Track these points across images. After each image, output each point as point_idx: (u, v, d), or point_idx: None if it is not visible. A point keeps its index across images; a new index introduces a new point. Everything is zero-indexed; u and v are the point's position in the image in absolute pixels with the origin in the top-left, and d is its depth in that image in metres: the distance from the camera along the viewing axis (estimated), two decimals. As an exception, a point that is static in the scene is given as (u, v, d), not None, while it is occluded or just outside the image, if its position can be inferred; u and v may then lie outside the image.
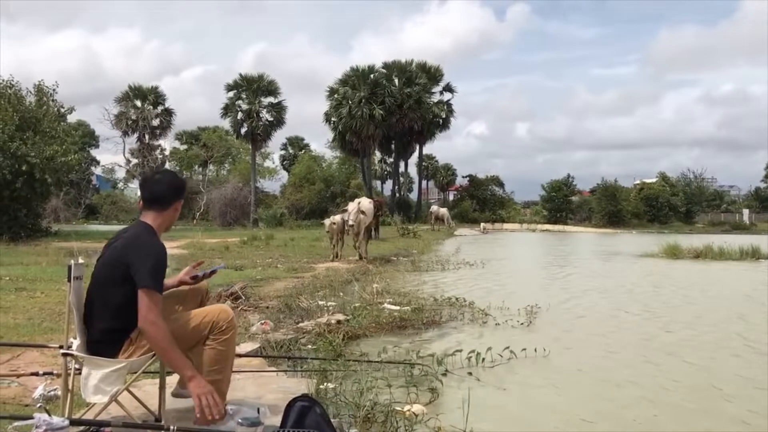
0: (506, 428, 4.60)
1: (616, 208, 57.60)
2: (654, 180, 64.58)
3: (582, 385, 5.73)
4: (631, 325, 8.77)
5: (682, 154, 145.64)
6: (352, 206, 16.81)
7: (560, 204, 61.71)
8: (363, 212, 16.50)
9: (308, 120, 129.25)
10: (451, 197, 72.59)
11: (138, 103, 54.05)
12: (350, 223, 16.26)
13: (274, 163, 67.74)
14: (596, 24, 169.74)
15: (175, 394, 3.96)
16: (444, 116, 53.97)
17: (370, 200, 18.39)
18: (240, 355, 5.62)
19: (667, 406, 5.13)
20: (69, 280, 3.54)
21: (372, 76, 47.92)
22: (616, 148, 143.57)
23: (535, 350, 6.53)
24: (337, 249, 17.41)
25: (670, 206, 60.55)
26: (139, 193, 3.91)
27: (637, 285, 13.53)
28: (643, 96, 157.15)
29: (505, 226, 55.49)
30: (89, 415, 3.59)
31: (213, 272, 4.20)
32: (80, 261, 3.71)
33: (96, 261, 3.66)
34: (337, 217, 17.16)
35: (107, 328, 3.43)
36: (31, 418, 3.05)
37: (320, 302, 9.00)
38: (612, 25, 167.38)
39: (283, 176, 63.66)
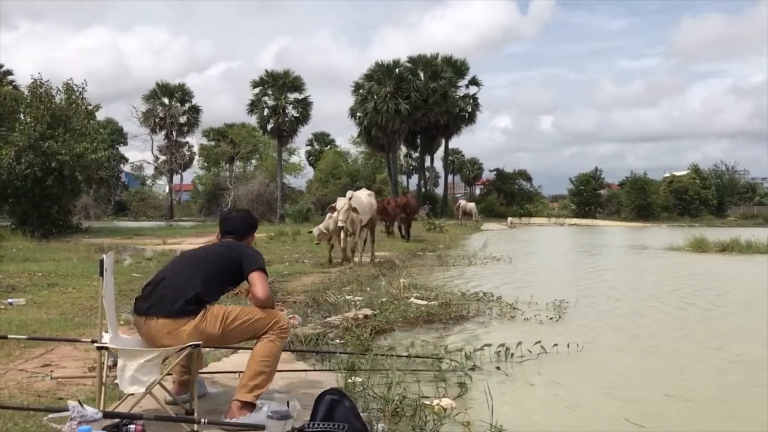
0: (535, 425, 4.56)
1: (645, 201, 56.89)
2: (684, 173, 63.57)
3: (614, 382, 5.64)
4: (664, 320, 8.64)
5: (711, 145, 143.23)
6: (341, 202, 13.48)
7: (588, 198, 61.06)
8: (355, 209, 13.38)
9: (331, 115, 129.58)
10: (477, 191, 72.27)
11: (165, 100, 54.73)
12: (339, 224, 13.32)
13: (299, 158, 68.13)
14: (623, 15, 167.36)
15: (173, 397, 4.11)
16: (470, 110, 53.58)
17: (369, 192, 15.16)
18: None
19: (702, 403, 5.05)
20: (101, 275, 3.59)
21: (397, 70, 47.89)
22: (643, 141, 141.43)
23: (568, 345, 6.45)
24: (334, 252, 14.57)
25: (700, 199, 59.63)
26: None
27: (666, 279, 13.35)
28: (670, 87, 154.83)
29: (533, 220, 55.10)
30: (122, 408, 3.64)
31: None
32: (111, 256, 3.77)
33: (177, 255, 4.46)
34: (330, 222, 13.87)
35: (196, 293, 3.81)
36: (66, 410, 3.10)
37: (347, 297, 9.02)
38: (639, 16, 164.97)
39: (309, 172, 64.00)
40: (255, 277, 3.92)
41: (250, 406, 3.71)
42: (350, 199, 13.52)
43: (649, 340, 7.35)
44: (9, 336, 4.90)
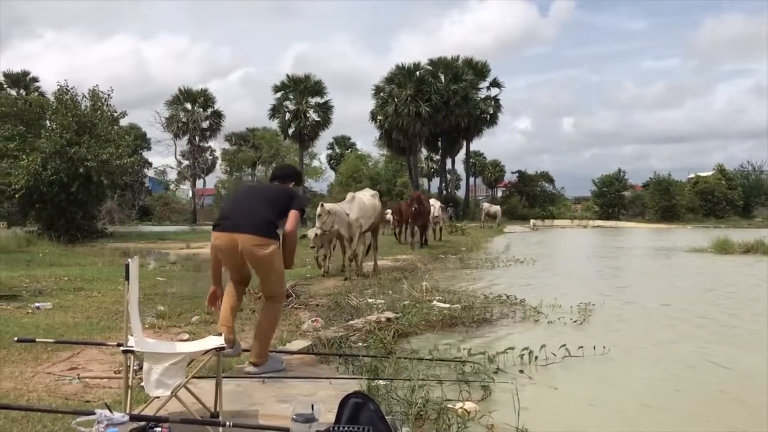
0: (560, 428, 4.52)
1: (670, 202, 56.24)
2: (709, 173, 62.69)
3: (640, 386, 5.59)
4: (691, 323, 8.54)
5: (736, 146, 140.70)
6: (318, 209, 11.50)
7: (612, 199, 60.48)
8: (329, 213, 11.41)
9: (351, 119, 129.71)
10: (499, 194, 71.93)
11: (188, 105, 55.22)
12: (316, 231, 11.85)
13: (321, 162, 68.31)
14: (644, 16, 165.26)
15: (248, 372, 4.95)
16: (491, 112, 53.36)
17: (372, 193, 13.30)
18: (292, 353, 5.69)
19: (731, 407, 4.97)
20: (126, 279, 3.62)
21: (418, 73, 47.88)
22: (666, 142, 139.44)
23: (594, 348, 6.39)
24: (328, 263, 13.12)
25: (727, 200, 58.77)
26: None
27: (692, 281, 13.18)
28: (693, 87, 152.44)
29: (556, 222, 54.72)
30: (148, 411, 3.66)
31: None
32: (136, 260, 3.80)
33: (241, 189, 5.48)
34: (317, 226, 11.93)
35: (269, 219, 4.86)
36: (93, 413, 3.13)
37: (369, 300, 9.01)
38: (660, 17, 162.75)
39: (330, 176, 64.11)
40: (293, 213, 4.97)
41: (264, 359, 4.92)
42: (351, 200, 12.17)
43: (676, 344, 7.26)
44: (37, 339, 4.96)
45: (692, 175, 64.50)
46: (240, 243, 4.75)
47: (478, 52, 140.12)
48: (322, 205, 11.61)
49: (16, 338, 4.91)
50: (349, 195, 12.57)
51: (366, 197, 12.66)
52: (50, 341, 5.32)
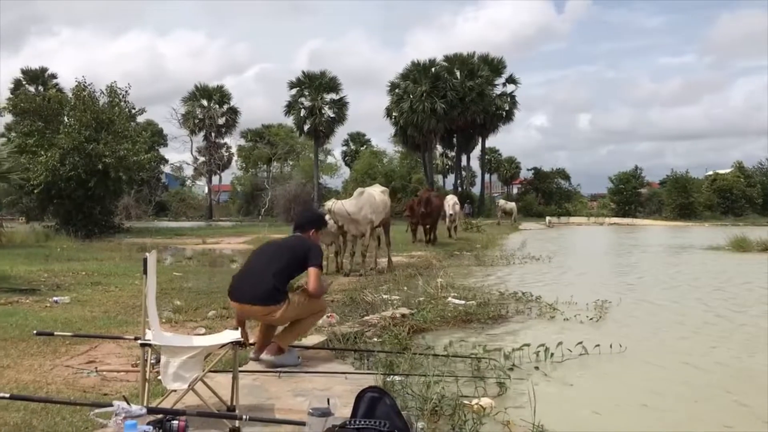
0: (575, 425, 4.50)
1: (687, 200, 55.72)
2: (728, 171, 62.06)
3: (656, 385, 5.53)
4: (709, 322, 8.46)
5: (755, 143, 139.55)
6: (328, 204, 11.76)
7: (629, 196, 60.03)
8: (330, 212, 11.36)
9: (366, 116, 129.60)
10: (515, 191, 71.66)
11: (204, 102, 55.48)
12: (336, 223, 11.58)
13: (335, 159, 68.35)
14: (661, 12, 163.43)
15: (253, 358, 5.18)
16: (507, 108, 53.05)
17: (382, 189, 13.20)
18: (307, 347, 5.71)
19: (747, 408, 4.92)
20: (144, 273, 3.65)
21: (433, 69, 47.72)
22: (683, 139, 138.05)
23: (611, 346, 6.35)
24: (341, 258, 12.90)
25: (745, 198, 58.17)
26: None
27: (708, 280, 13.07)
28: (710, 84, 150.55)
29: (572, 219, 54.37)
30: (165, 404, 3.69)
31: None
32: (153, 255, 3.83)
33: (257, 248, 5.59)
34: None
35: (275, 286, 4.90)
36: (111, 405, 3.16)
37: (384, 296, 9.02)
38: (678, 13, 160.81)
39: (345, 172, 64.14)
40: (311, 272, 5.04)
41: (282, 351, 5.10)
42: (360, 195, 12.07)
43: (694, 342, 7.20)
44: (55, 333, 5.01)
45: (710, 173, 63.84)
46: (251, 313, 5.02)
47: (494, 48, 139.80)
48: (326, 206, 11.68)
49: (35, 331, 4.96)
50: (358, 190, 12.49)
51: (376, 193, 12.57)
52: (68, 334, 5.38)
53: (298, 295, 5.09)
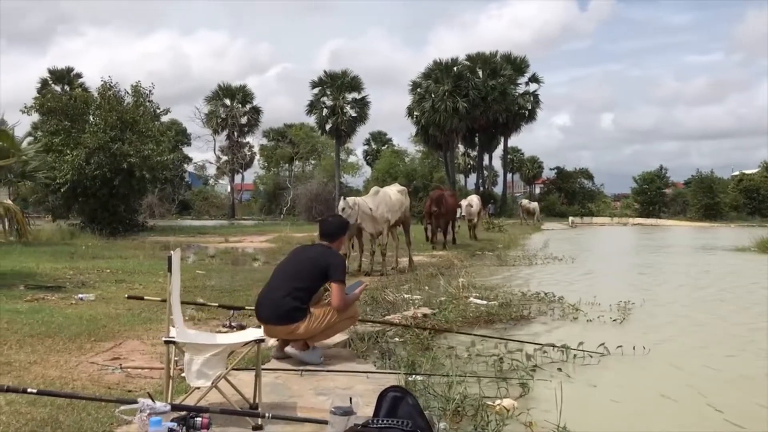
0: (598, 427, 4.46)
1: (713, 200, 55.02)
2: (755, 171, 61.11)
3: (680, 388, 5.47)
4: (733, 324, 8.34)
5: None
6: (341, 204, 11.24)
7: (653, 197, 59.43)
8: (350, 207, 11.08)
9: (387, 115, 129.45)
10: (537, 190, 71.22)
11: (227, 101, 55.80)
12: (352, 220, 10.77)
13: (357, 158, 68.38)
14: (689, 9, 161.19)
15: (276, 357, 5.22)
16: (530, 108, 52.73)
17: (399, 188, 13.01)
18: (329, 346, 5.72)
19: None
20: (169, 271, 3.67)
21: (455, 69, 47.54)
22: (708, 138, 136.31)
23: (634, 348, 6.29)
24: (362, 257, 12.78)
25: (773, 198, 57.25)
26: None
27: (734, 281, 12.88)
28: (736, 82, 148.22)
29: (595, 219, 53.96)
30: (189, 401, 3.72)
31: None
32: (178, 253, 3.85)
33: (279, 264, 5.49)
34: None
35: (294, 306, 4.94)
36: (136, 402, 3.19)
37: (406, 296, 9.00)
38: (705, 10, 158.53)
39: (367, 171, 64.12)
40: (334, 288, 5.06)
41: (307, 347, 5.11)
42: (375, 194, 11.85)
43: (718, 345, 7.11)
44: (145, 297, 5.17)
45: (736, 173, 62.95)
46: (275, 332, 5.07)
47: (516, 47, 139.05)
48: (344, 198, 11.50)
49: (126, 295, 5.26)
50: (374, 189, 12.32)
51: (393, 192, 12.46)
52: (156, 299, 6.41)
53: (322, 308, 5.09)
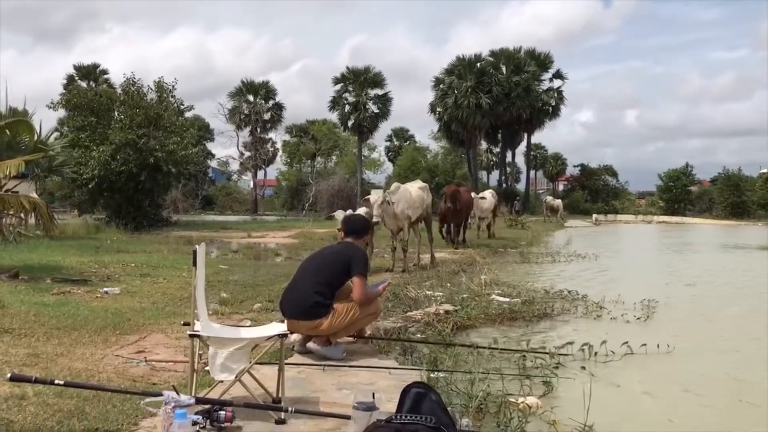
0: (624, 426, 4.42)
1: (739, 198, 54.21)
2: (785, 168, 60.07)
3: (705, 387, 5.39)
4: (761, 323, 8.21)
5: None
6: (374, 195, 11.63)
7: (678, 194, 58.66)
8: (389, 203, 11.32)
9: (410, 111, 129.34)
10: (560, 187, 70.69)
11: (250, 97, 56.07)
12: (375, 219, 10.98)
13: (379, 154, 68.34)
14: (715, 5, 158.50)
15: (299, 351, 5.32)
16: (553, 104, 52.31)
17: (421, 185, 12.90)
18: (351, 340, 5.73)
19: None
20: (194, 265, 3.70)
21: (478, 65, 47.39)
22: (735, 135, 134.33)
23: (658, 346, 6.21)
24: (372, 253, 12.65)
25: (802, 196, 56.24)
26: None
27: (762, 279, 12.67)
28: (764, 79, 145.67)
29: (619, 217, 53.39)
30: (212, 395, 3.74)
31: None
32: (203, 247, 3.88)
33: (303, 262, 5.56)
34: (360, 211, 11.55)
35: (317, 300, 5.01)
36: (161, 395, 3.22)
37: (427, 292, 8.98)
38: (733, 5, 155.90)
39: (388, 167, 64.05)
40: (355, 281, 5.14)
41: (329, 343, 5.18)
42: (396, 190, 11.72)
43: (745, 344, 7.00)
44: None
45: (764, 170, 61.95)
46: (298, 328, 5.09)
47: (539, 43, 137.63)
48: (366, 200, 11.72)
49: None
50: (394, 185, 12.12)
51: (413, 189, 12.34)
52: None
53: (344, 303, 5.13)
